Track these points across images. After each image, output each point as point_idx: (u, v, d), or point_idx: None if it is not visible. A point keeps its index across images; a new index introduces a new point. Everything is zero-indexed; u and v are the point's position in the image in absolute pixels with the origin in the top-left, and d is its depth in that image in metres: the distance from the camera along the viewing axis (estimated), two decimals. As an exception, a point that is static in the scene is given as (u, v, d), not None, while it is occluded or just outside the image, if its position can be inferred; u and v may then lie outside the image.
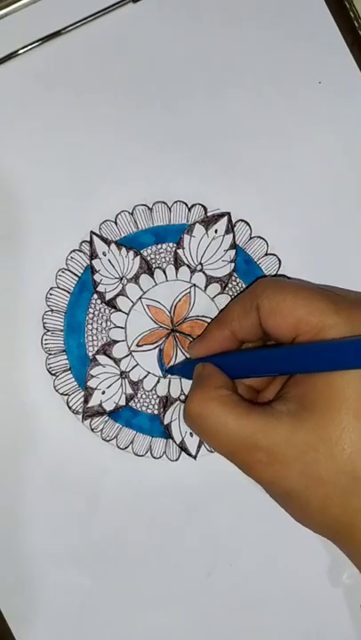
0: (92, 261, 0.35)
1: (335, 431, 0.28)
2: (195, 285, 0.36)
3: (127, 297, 0.35)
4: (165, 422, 0.35)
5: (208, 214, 0.36)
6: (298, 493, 0.29)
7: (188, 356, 0.35)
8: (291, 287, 0.31)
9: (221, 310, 0.35)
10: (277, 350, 0.31)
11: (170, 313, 0.35)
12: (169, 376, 0.35)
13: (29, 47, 0.35)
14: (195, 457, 0.35)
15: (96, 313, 0.35)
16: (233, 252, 0.36)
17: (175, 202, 0.35)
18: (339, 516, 0.28)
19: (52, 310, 0.35)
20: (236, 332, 0.32)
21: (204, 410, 0.29)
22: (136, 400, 0.35)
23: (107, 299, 0.35)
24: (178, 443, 0.35)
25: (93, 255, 0.35)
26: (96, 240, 0.35)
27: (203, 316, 0.35)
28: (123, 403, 0.35)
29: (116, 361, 0.35)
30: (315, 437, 0.28)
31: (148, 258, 0.35)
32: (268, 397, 0.32)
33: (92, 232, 0.35)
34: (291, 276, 0.36)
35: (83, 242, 0.35)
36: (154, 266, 0.35)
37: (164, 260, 0.35)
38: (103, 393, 0.35)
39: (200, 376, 0.32)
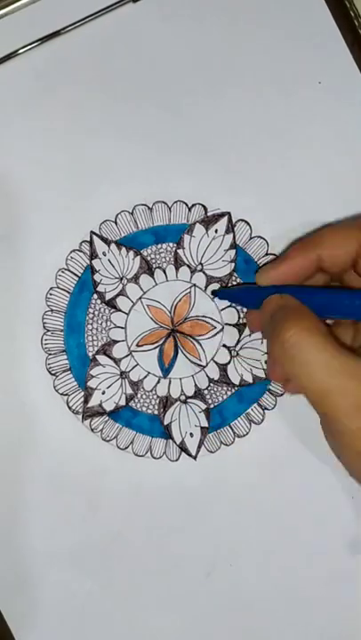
0: (92, 261, 0.35)
1: None
2: (195, 285, 0.36)
3: (127, 297, 0.35)
4: (165, 422, 0.35)
5: (208, 214, 0.35)
6: None
7: (189, 358, 0.35)
8: None
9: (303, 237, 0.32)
10: None
11: (170, 313, 0.35)
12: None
13: (29, 47, 0.35)
14: (195, 457, 0.35)
15: (96, 313, 0.35)
16: (233, 251, 0.36)
17: (175, 202, 0.35)
18: None
19: (52, 310, 0.35)
20: (323, 260, 0.29)
21: (304, 339, 0.27)
22: (136, 400, 0.35)
23: (107, 299, 0.35)
24: (178, 443, 0.35)
25: (93, 255, 0.35)
26: (96, 240, 0.35)
27: (203, 316, 0.35)
28: (123, 403, 0.35)
29: (116, 361, 0.35)
30: None
31: (148, 258, 0.35)
32: None
33: (92, 232, 0.35)
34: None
35: (83, 242, 0.35)
36: (154, 266, 0.35)
37: (164, 259, 0.35)
38: (103, 393, 0.35)
39: (284, 307, 0.29)
